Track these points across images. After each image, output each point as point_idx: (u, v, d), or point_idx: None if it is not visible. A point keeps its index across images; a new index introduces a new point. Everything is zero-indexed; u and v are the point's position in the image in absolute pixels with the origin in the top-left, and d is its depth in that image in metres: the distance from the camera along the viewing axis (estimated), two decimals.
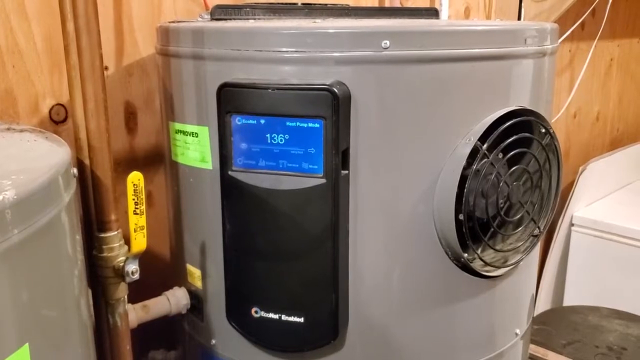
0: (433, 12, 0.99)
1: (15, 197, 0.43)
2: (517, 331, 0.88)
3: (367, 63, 0.68)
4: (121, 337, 0.69)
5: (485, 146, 0.73)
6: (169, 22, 0.82)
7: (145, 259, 0.69)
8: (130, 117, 1.03)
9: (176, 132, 0.81)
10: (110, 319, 0.68)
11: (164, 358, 1.01)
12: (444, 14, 1.44)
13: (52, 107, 0.93)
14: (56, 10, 0.66)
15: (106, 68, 0.97)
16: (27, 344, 0.45)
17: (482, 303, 0.81)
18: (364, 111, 0.69)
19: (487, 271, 0.79)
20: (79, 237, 0.59)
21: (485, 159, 0.73)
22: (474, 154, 0.73)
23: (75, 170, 0.58)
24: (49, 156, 0.54)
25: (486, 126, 0.73)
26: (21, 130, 0.64)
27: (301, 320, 0.74)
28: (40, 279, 0.48)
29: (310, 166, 0.70)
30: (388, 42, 0.67)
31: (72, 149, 0.62)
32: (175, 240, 0.89)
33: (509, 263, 0.80)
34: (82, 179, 0.67)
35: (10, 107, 0.89)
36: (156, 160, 1.05)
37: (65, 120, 0.94)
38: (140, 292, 0.80)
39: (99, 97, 0.63)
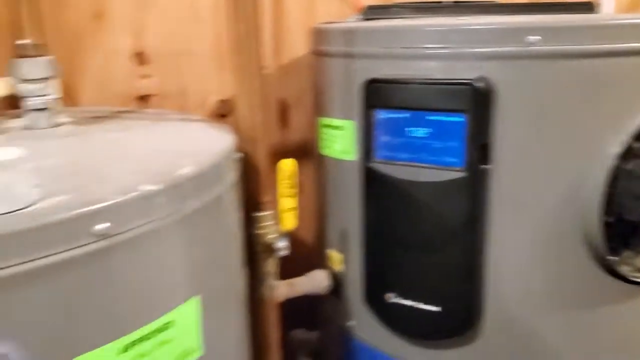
0: (587, 7, 0.95)
1: (193, 172, 0.51)
2: None
3: (512, 58, 0.69)
4: (270, 308, 0.77)
5: (639, 145, 0.70)
6: (323, 23, 0.89)
7: (291, 242, 0.75)
8: (284, 113, 1.11)
9: (324, 126, 0.87)
10: (260, 290, 0.76)
11: (305, 337, 1.09)
12: (607, 7, 1.36)
13: (217, 102, 1.04)
14: (224, 14, 0.75)
15: (265, 67, 1.06)
16: (197, 297, 0.53)
17: (629, 309, 0.77)
18: (507, 106, 0.70)
19: (636, 277, 0.75)
20: (238, 215, 0.67)
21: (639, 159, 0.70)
22: (627, 154, 0.70)
23: (238, 155, 0.66)
24: (218, 142, 0.63)
25: None
26: (195, 121, 0.74)
27: (436, 309, 0.76)
28: (208, 245, 0.56)
29: (451, 159, 0.72)
30: (534, 38, 0.67)
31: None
32: (319, 226, 0.95)
33: None
34: (241, 165, 0.75)
35: (182, 103, 1.02)
36: (305, 153, 1.13)
37: (228, 114, 1.05)
38: (286, 272, 0.87)
39: (259, 94, 0.71)
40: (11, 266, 0.40)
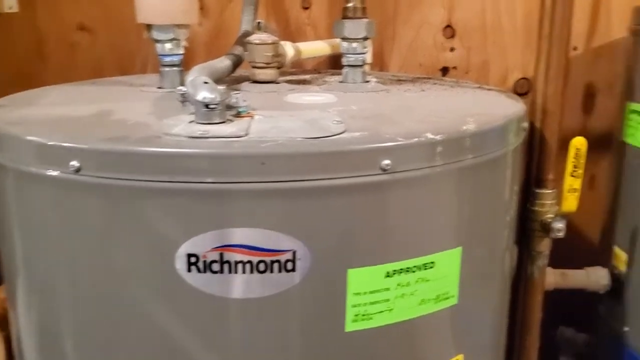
0: None
1: (474, 130, 0.54)
2: None
3: None
4: (535, 287, 0.75)
5: None
6: None
7: (571, 235, 0.72)
8: (589, 98, 1.04)
9: (631, 112, 0.80)
10: (528, 268, 0.75)
11: (572, 337, 1.03)
12: None
13: (518, 80, 1.03)
14: None
15: (575, 48, 1.01)
16: (460, 248, 0.56)
17: None
18: None
19: None
20: (516, 188, 0.67)
21: None
22: None
23: (525, 124, 0.66)
24: (506, 108, 0.64)
25: None
26: (488, 89, 0.76)
27: None
28: (478, 203, 0.58)
29: None
30: None
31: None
32: (608, 221, 0.88)
33: None
34: (529, 138, 0.74)
35: (483, 77, 1.04)
36: (606, 144, 1.05)
37: (526, 93, 1.03)
38: (559, 265, 0.83)
39: (561, 65, 0.69)
40: (313, 180, 0.48)
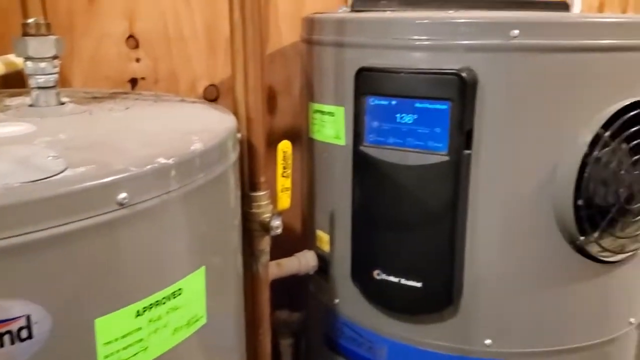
0: (563, 6, 1.01)
1: (202, 148, 0.54)
2: (632, 320, 0.89)
3: (495, 51, 0.74)
4: (262, 283, 0.80)
5: (607, 134, 0.75)
6: (314, 13, 0.92)
7: None
8: (271, 100, 1.14)
9: (315, 112, 0.90)
10: (254, 267, 0.79)
11: (287, 318, 1.12)
12: (576, 8, 1.42)
13: (207, 87, 1.07)
14: (215, 2, 0.77)
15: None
16: (204, 267, 0.56)
17: (596, 287, 0.83)
18: (490, 96, 0.74)
19: (603, 256, 0.81)
20: (239, 194, 0.71)
21: (607, 147, 0.76)
22: (595, 142, 0.75)
23: (239, 135, 0.69)
24: (222, 121, 0.66)
25: (610, 115, 0.75)
26: (192, 102, 0.77)
27: (418, 285, 0.81)
28: (213, 219, 0.59)
29: (436, 144, 0.76)
30: (516, 32, 0.72)
31: None
32: (307, 208, 0.99)
33: (626, 250, 0.82)
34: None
35: (172, 87, 1.04)
36: (291, 139, 1.16)
37: (216, 99, 1.08)
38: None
39: (258, 76, 0.74)
40: (38, 231, 0.42)
